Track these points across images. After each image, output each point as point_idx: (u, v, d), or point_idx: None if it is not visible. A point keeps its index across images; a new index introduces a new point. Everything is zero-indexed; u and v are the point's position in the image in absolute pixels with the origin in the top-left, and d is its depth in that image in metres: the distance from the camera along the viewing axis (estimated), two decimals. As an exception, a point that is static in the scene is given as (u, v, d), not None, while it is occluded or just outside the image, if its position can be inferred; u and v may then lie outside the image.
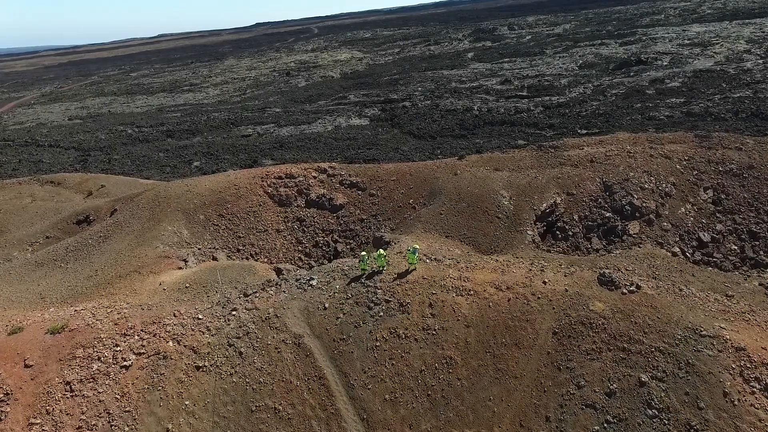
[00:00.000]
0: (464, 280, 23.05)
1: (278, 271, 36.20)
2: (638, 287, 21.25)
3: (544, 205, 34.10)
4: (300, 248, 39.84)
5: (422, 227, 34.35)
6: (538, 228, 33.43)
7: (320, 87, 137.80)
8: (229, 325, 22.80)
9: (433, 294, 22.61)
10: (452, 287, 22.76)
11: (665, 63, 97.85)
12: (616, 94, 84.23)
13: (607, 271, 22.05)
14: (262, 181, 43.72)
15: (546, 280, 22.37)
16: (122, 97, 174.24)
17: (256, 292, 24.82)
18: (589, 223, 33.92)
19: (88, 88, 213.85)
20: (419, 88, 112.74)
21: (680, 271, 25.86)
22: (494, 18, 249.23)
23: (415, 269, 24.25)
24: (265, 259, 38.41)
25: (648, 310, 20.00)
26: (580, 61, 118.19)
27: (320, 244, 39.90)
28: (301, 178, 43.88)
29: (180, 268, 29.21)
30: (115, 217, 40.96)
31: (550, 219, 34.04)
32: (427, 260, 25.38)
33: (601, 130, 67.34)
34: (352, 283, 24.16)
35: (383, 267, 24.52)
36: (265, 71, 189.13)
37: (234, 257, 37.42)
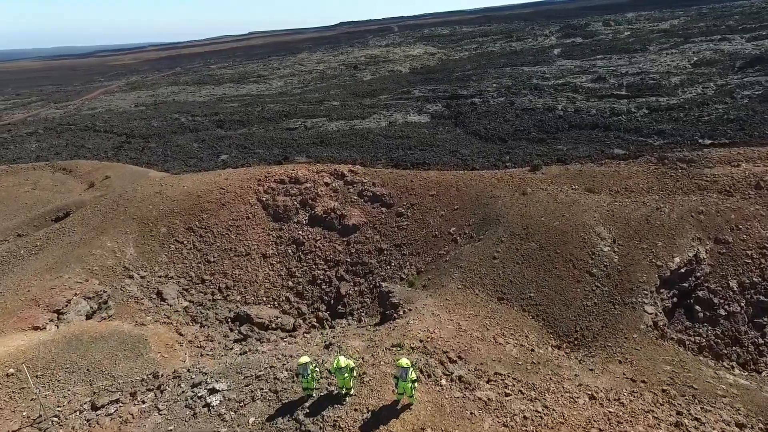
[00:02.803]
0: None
1: (246, 319, 24.72)
2: None
3: (677, 259, 19.78)
4: (290, 284, 28.04)
5: (461, 278, 21.27)
6: (664, 299, 19.21)
7: (385, 81, 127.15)
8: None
9: (439, 488, 9.73)
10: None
11: (818, 60, 76.33)
12: (750, 96, 65.11)
13: None
14: (259, 185, 32.51)
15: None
16: (192, 87, 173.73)
17: (113, 403, 13.19)
18: (760, 297, 19.20)
19: (167, 78, 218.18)
20: (493, 84, 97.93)
21: None
22: (587, 16, 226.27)
23: (411, 404, 11.48)
24: (238, 296, 27.01)
25: None
26: (695, 58, 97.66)
27: (319, 281, 27.88)
28: (308, 184, 32.16)
29: (38, 327, 18.19)
30: (63, 222, 31.56)
31: (685, 284, 19.69)
32: (444, 376, 12.44)
33: (733, 141, 50.33)
34: (280, 418, 11.78)
35: (348, 389, 11.95)
36: (333, 65, 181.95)
37: (191, 292, 26.36)
